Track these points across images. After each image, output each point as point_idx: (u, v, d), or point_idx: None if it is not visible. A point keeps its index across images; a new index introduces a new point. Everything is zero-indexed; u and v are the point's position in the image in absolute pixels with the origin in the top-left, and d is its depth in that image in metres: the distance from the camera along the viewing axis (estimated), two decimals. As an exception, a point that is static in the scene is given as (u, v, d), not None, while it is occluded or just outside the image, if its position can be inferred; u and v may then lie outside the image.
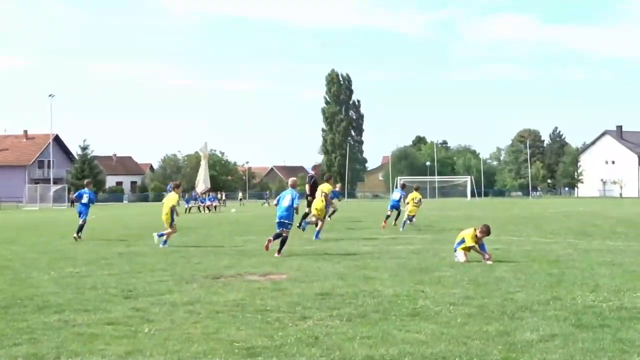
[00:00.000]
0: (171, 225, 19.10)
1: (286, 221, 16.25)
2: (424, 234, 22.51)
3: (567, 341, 7.14)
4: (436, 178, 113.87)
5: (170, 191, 20.57)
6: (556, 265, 13.42)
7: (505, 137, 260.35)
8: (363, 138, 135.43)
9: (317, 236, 20.84)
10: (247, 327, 7.96)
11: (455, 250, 14.55)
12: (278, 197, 16.85)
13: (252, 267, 13.53)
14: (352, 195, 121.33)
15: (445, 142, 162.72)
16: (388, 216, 26.71)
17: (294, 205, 16.30)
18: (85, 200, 22.49)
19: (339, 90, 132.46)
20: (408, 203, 26.12)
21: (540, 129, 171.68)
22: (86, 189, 23.10)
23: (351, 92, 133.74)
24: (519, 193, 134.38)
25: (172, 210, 19.11)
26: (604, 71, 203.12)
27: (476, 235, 14.35)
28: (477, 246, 14.30)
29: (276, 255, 15.60)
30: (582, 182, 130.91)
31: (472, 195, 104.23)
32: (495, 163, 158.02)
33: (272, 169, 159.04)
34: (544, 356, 6.60)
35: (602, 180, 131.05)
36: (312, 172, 26.80)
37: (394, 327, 7.92)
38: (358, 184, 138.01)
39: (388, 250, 17.11)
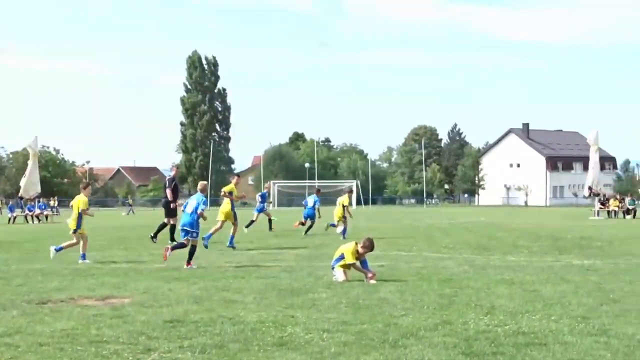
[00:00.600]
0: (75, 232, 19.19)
1: (189, 229, 17.39)
2: (299, 249, 22.72)
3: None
4: (316, 182, 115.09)
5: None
6: (449, 284, 13.85)
7: (397, 136, 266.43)
8: (230, 134, 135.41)
9: (230, 242, 22.65)
10: (77, 363, 7.81)
11: (333, 268, 14.77)
12: (186, 201, 18.10)
13: (88, 290, 13.28)
14: (216, 202, 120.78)
15: (327, 140, 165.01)
16: (303, 224, 29.83)
17: (199, 211, 17.45)
18: None
19: (202, 76, 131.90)
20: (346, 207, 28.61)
21: (438, 126, 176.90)
22: None
23: (217, 78, 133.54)
24: (413, 200, 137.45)
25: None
26: (510, 61, 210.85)
27: (357, 251, 14.61)
28: (358, 263, 14.56)
29: (185, 267, 16.83)
30: (483, 189, 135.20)
31: (358, 202, 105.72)
32: (385, 165, 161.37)
33: (118, 170, 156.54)
34: (427, 390, 6.80)
35: (505, 186, 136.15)
36: (172, 174, 26.65)
37: (256, 359, 7.96)
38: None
39: (255, 267, 17.17)
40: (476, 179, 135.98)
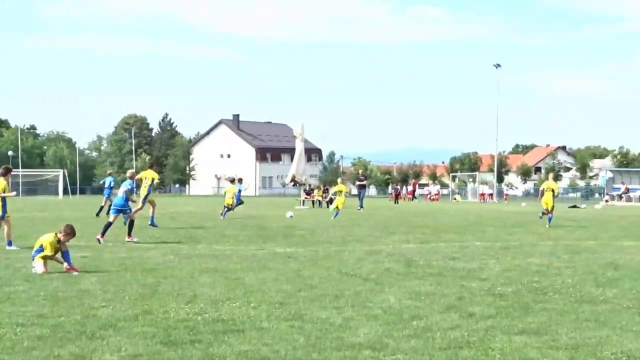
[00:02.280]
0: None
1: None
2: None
3: (151, 361, 7.42)
4: (20, 171, 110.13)
5: None
6: (152, 274, 13.84)
7: (108, 124, 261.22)
8: None
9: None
10: None
11: (33, 259, 14.26)
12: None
13: None
14: None
15: (33, 128, 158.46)
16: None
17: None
18: None
19: None
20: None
21: (149, 115, 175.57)
22: None
23: None
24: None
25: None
26: (221, 53, 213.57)
27: (59, 240, 14.21)
28: (59, 255, 14.16)
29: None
30: (194, 179, 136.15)
31: (65, 192, 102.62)
32: (95, 154, 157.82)
33: None
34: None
35: (216, 176, 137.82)
36: None
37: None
38: None
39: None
40: (187, 169, 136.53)
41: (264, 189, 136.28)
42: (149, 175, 27.99)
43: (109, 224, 21.16)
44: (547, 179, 35.69)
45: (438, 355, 7.75)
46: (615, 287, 12.38)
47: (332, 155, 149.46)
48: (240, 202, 38.82)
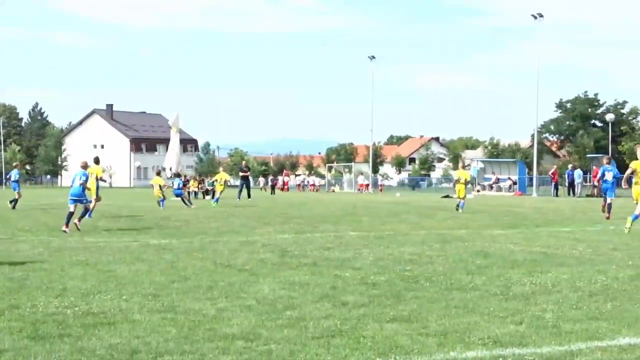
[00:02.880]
0: None
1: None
2: None
3: (17, 357, 7.23)
4: None
5: None
6: (21, 267, 13.46)
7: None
8: None
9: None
10: None
11: None
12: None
13: None
14: None
15: None
16: None
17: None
18: None
19: None
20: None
21: (18, 104, 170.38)
22: None
23: None
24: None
25: None
26: (91, 41, 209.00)
27: None
28: None
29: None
30: (66, 170, 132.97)
31: None
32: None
33: None
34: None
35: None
36: None
37: None
38: None
39: None
40: (59, 159, 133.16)
41: (138, 179, 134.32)
42: (94, 171, 28.35)
43: (71, 214, 21.88)
44: (459, 168, 38.94)
45: (310, 344, 7.82)
46: (484, 275, 12.74)
47: (207, 145, 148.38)
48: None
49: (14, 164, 41.78)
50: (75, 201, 22.40)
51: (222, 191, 40.09)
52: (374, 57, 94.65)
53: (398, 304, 10.03)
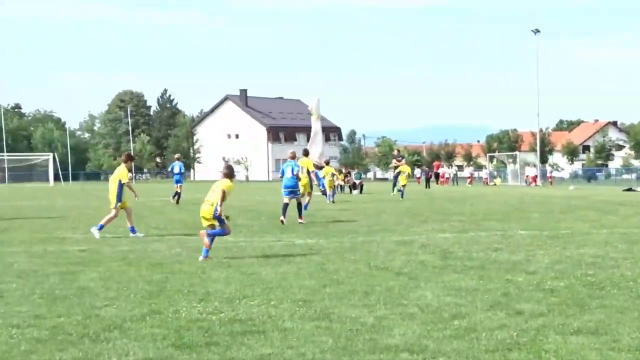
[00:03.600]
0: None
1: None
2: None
3: (163, 366, 7.47)
4: (6, 155, 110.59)
5: None
6: (159, 269, 13.91)
7: (100, 102, 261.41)
8: None
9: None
10: None
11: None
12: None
13: None
14: None
15: (18, 107, 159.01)
16: None
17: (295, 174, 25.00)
18: None
19: None
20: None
21: (145, 91, 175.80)
22: None
23: None
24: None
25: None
26: (227, 23, 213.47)
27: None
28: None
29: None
30: (199, 162, 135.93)
31: (57, 178, 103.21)
32: (87, 136, 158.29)
33: None
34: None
35: (224, 158, 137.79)
36: None
37: None
38: None
39: None
40: (191, 151, 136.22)
41: (277, 172, 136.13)
42: (305, 164, 29.47)
43: (286, 205, 24.82)
44: None
45: (485, 358, 7.76)
46: (681, 281, 12.33)
47: (353, 134, 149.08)
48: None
49: (175, 155, 43.92)
50: (290, 193, 24.89)
51: (404, 185, 43.49)
52: (538, 31, 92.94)
53: (582, 313, 9.82)
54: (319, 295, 11.21)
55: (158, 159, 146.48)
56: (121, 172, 21.01)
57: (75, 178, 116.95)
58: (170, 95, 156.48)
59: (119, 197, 20.75)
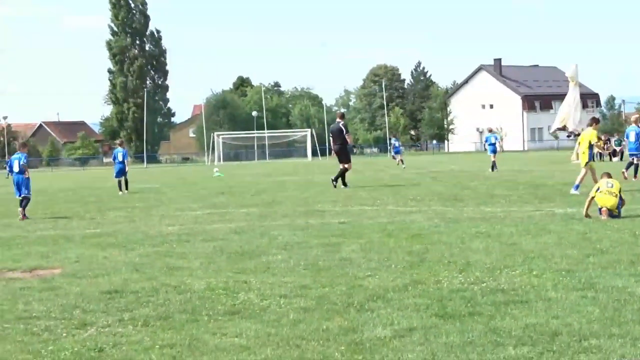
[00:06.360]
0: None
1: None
2: (248, 208, 22.74)
3: (427, 335, 7.52)
4: (266, 133, 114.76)
5: None
6: (418, 240, 14.00)
7: (355, 77, 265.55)
8: (167, 82, 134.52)
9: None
10: (4, 342, 7.81)
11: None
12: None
13: (13, 261, 13.23)
14: (154, 159, 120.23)
15: (277, 85, 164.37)
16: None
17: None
18: None
19: (129, 17, 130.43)
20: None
21: (400, 64, 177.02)
22: None
23: (147, 18, 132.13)
24: (375, 149, 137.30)
25: None
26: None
27: None
28: None
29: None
30: (453, 134, 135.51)
31: (314, 154, 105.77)
32: (343, 111, 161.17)
33: (40, 125, 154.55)
34: (397, 356, 6.92)
35: (478, 129, 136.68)
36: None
37: (206, 330, 8.02)
38: (162, 143, 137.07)
39: (201, 229, 17.19)
40: (445, 123, 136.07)
41: (533, 142, 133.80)
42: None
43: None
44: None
45: None
46: None
47: (611, 100, 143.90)
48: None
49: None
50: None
51: None
52: None
53: None
54: (582, 264, 10.93)
55: (412, 132, 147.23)
56: (590, 134, 24.01)
57: (330, 153, 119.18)
58: (424, 68, 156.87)
59: (591, 157, 23.57)
